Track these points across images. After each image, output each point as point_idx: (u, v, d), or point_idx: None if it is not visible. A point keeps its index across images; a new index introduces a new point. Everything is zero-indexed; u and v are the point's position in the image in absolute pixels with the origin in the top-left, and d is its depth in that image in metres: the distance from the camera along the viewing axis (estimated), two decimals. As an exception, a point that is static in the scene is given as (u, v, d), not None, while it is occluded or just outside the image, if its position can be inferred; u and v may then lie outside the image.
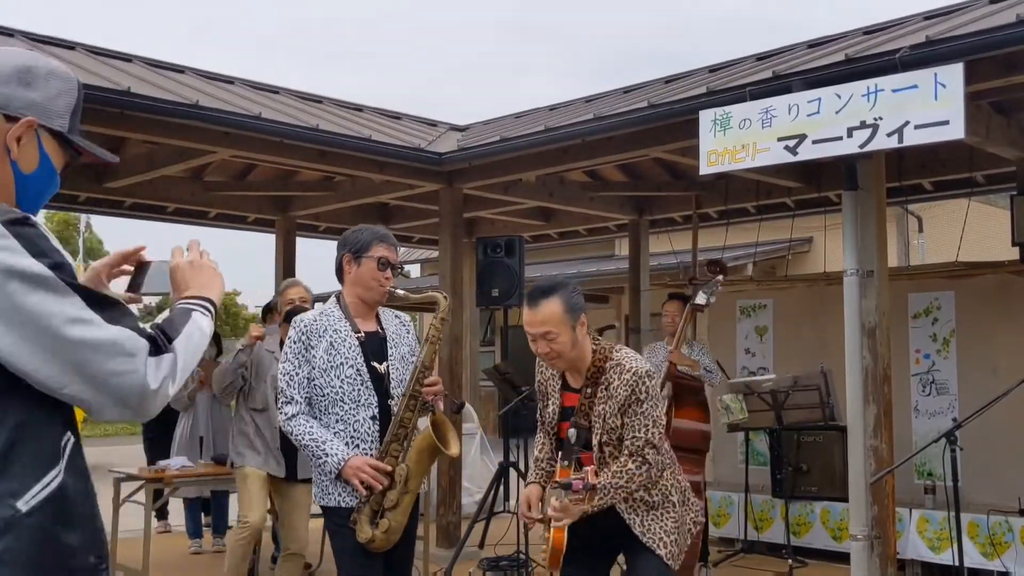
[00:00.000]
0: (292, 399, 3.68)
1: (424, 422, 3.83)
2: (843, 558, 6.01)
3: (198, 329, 1.81)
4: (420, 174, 7.45)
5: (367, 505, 3.61)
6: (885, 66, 4.85)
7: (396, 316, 3.98)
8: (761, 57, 7.07)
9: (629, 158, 7.67)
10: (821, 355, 6.91)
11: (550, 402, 3.58)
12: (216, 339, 7.17)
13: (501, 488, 7.31)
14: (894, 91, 4.74)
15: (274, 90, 8.35)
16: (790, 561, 6.70)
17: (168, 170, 7.50)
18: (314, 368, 3.68)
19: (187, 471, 6.43)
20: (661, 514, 3.41)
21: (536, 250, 12.19)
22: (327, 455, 3.60)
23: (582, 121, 6.48)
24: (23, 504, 1.59)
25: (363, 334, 3.75)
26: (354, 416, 3.67)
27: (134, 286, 2.01)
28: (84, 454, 1.76)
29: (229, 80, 8.02)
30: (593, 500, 3.26)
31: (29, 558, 1.58)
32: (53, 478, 1.64)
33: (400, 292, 3.87)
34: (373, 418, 3.68)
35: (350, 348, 3.70)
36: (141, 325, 1.71)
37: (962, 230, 7.55)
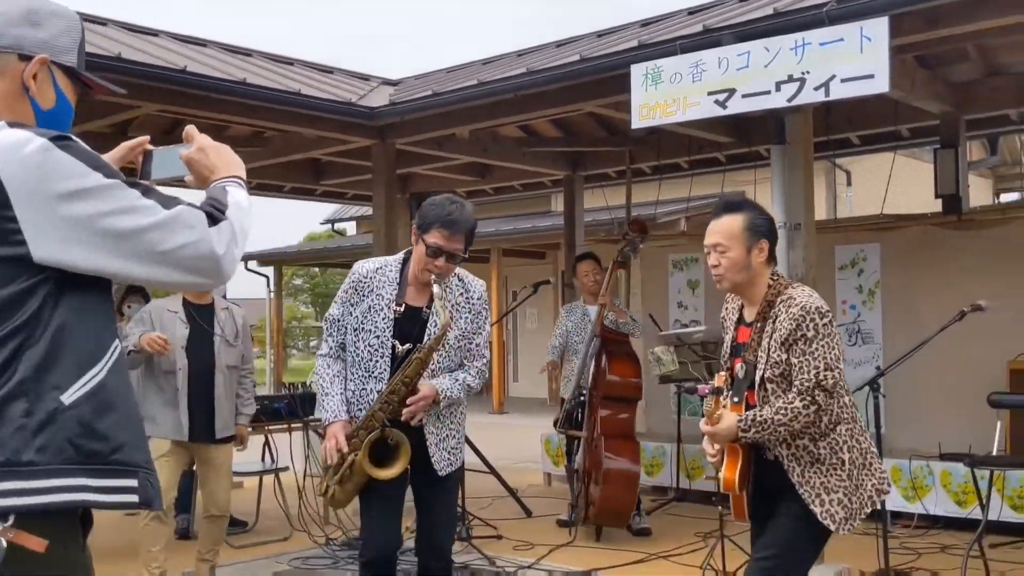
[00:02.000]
0: (326, 340, 3.86)
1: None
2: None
3: (243, 198, 1.92)
4: (352, 129, 7.37)
5: (331, 467, 3.73)
6: (813, 20, 4.89)
7: (465, 289, 3.79)
8: (693, 11, 7.09)
9: (562, 112, 7.68)
10: (751, 307, 7.03)
11: (727, 336, 3.47)
12: (144, 292, 6.98)
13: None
14: (821, 45, 4.80)
15: (201, 43, 8.15)
16: (720, 508, 6.83)
17: (89, 125, 7.29)
18: (350, 323, 3.76)
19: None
20: (826, 469, 3.13)
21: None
22: (323, 408, 3.78)
23: (515, 75, 6.46)
24: (66, 397, 1.73)
25: (403, 307, 3.73)
26: (364, 385, 3.74)
27: (144, 174, 2.09)
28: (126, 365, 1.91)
29: (153, 32, 7.81)
30: (742, 425, 3.10)
31: (67, 446, 1.71)
32: (95, 375, 1.77)
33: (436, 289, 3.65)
34: (380, 392, 3.70)
35: (384, 319, 3.71)
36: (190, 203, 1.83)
37: (887, 183, 7.70)
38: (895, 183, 8.58)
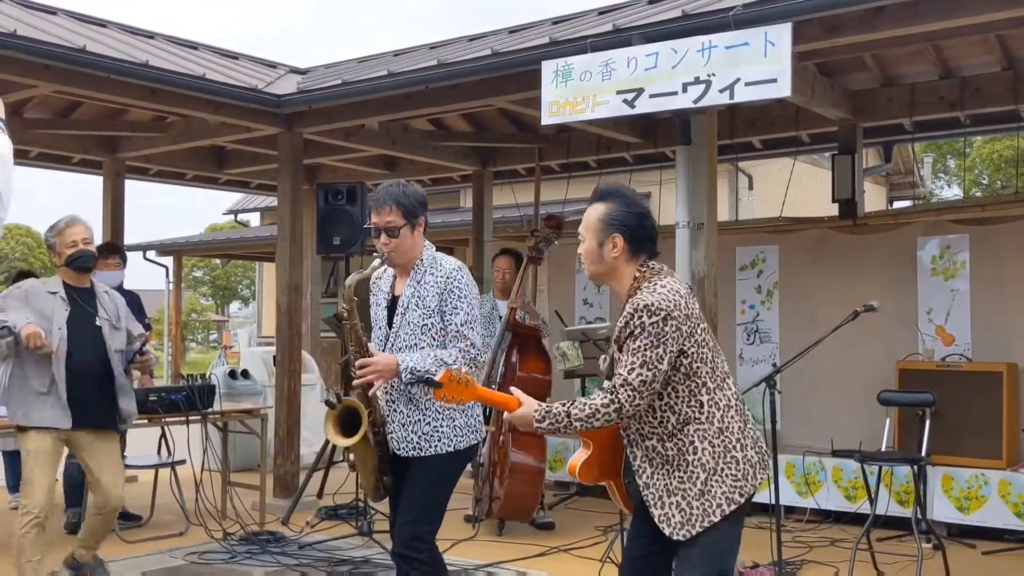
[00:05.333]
0: None
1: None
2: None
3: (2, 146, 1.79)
4: (257, 116, 7.23)
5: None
6: (719, 23, 5.00)
7: (437, 268, 3.79)
8: (603, 11, 7.17)
9: (473, 107, 7.67)
10: (655, 305, 7.14)
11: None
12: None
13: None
14: (727, 48, 4.90)
15: (101, 23, 7.90)
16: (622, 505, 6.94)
17: (-19, 104, 7.01)
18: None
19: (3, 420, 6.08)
20: (671, 471, 2.99)
21: (379, 199, 12.05)
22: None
23: (426, 67, 6.43)
24: None
25: (392, 296, 3.86)
26: None
27: None
28: None
29: (51, 11, 7.54)
30: (536, 416, 3.03)
31: None
32: None
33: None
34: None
35: (381, 311, 3.87)
36: None
37: (787, 187, 7.92)
38: (794, 187, 8.83)
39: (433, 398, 3.13)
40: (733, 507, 2.96)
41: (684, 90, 5.03)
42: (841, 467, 6.67)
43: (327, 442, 7.29)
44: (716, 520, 2.95)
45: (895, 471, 6.32)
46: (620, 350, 3.01)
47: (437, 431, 3.75)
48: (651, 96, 5.15)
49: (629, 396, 2.93)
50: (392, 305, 3.84)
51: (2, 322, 4.70)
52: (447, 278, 3.74)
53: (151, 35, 8.16)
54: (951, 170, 30.73)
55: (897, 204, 17.98)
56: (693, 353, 2.99)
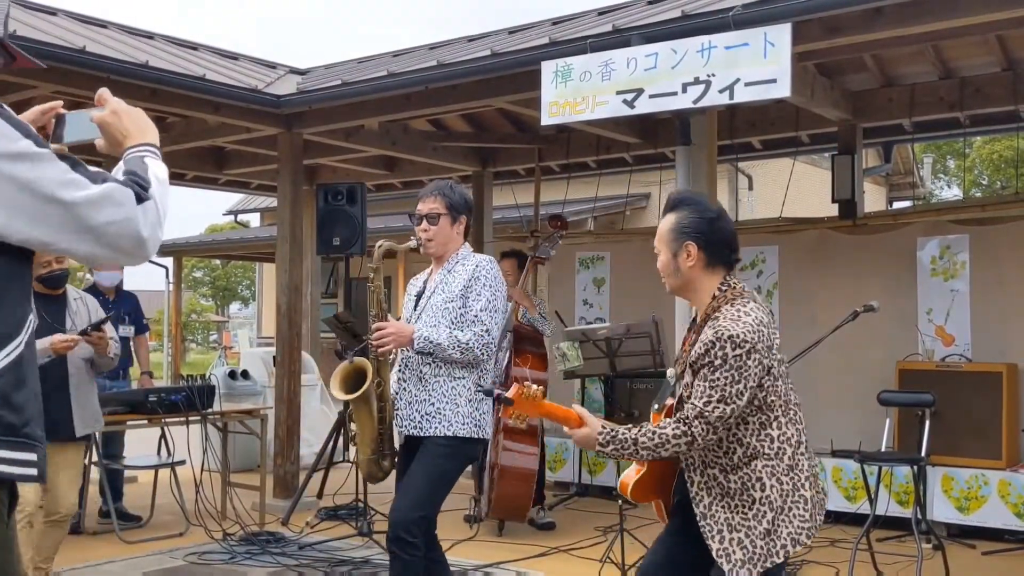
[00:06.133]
0: None
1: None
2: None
3: (162, 172, 1.91)
4: (257, 117, 7.23)
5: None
6: (719, 24, 4.99)
7: (467, 260, 3.96)
8: (603, 11, 7.17)
9: (473, 107, 7.68)
10: (655, 306, 7.14)
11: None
12: None
13: (340, 439, 7.27)
14: (727, 48, 4.90)
15: (101, 23, 7.89)
16: (620, 503, 6.94)
17: (-19, 105, 7.01)
18: None
19: None
20: (735, 505, 2.86)
21: (379, 201, 12.07)
22: None
23: (425, 67, 6.43)
24: None
25: (422, 287, 4.03)
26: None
27: (56, 138, 2.05)
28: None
29: (51, 11, 7.53)
30: (600, 438, 2.92)
31: None
32: (16, 347, 1.78)
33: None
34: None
35: (411, 299, 4.06)
36: (120, 177, 1.82)
37: (787, 188, 7.92)
38: (794, 188, 8.84)
39: (504, 412, 3.07)
40: (798, 548, 2.85)
41: (684, 90, 5.03)
42: (841, 467, 6.67)
43: (327, 443, 7.31)
44: (779, 561, 2.83)
45: (895, 471, 6.32)
46: (695, 375, 2.86)
47: (440, 412, 3.84)
48: (651, 96, 5.15)
49: (703, 430, 2.80)
50: (422, 295, 4.00)
51: None
52: (476, 267, 3.92)
53: (151, 35, 8.16)
54: (951, 170, 30.73)
55: (897, 204, 17.99)
56: (769, 387, 2.87)
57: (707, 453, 2.91)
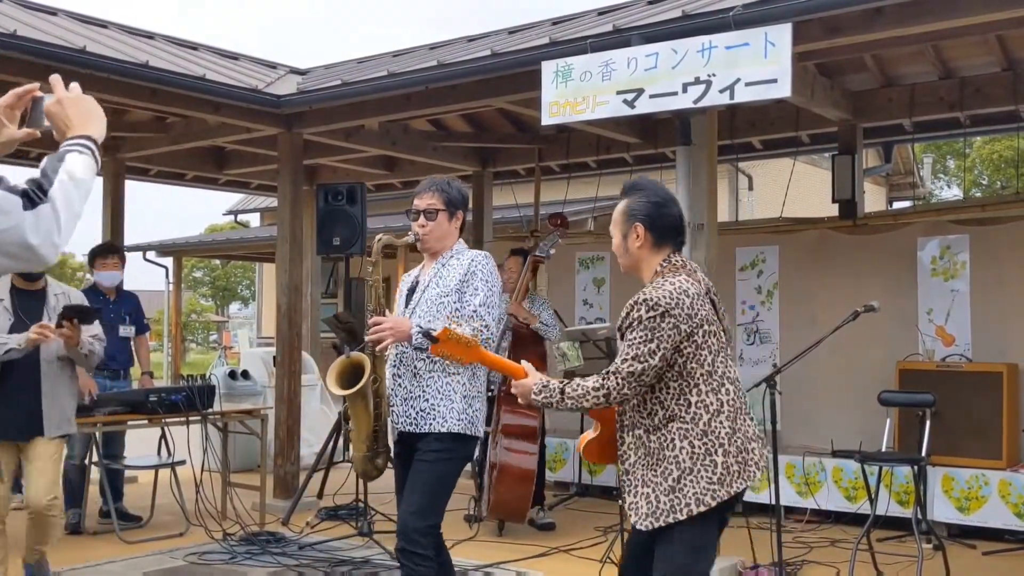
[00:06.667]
0: None
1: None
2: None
3: (79, 167, 1.82)
4: (257, 117, 7.22)
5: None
6: (719, 23, 4.99)
7: (462, 255, 3.96)
8: (603, 11, 7.17)
9: (473, 107, 7.68)
10: (655, 305, 7.15)
11: None
12: None
13: (341, 439, 7.26)
14: (727, 48, 4.89)
15: (102, 23, 7.90)
16: (621, 502, 6.94)
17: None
18: None
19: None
20: (651, 463, 3.03)
21: (379, 201, 12.07)
22: None
23: (426, 67, 6.43)
24: None
25: (415, 282, 4.03)
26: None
27: (33, 122, 2.01)
28: None
29: (51, 11, 7.54)
30: (534, 388, 3.12)
31: None
32: None
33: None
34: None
35: (403, 295, 4.07)
36: (13, 184, 1.76)
37: (787, 188, 7.92)
38: (794, 188, 8.84)
39: (432, 354, 3.29)
40: (703, 509, 2.96)
41: (684, 90, 5.03)
42: (841, 467, 6.67)
43: (327, 443, 7.30)
44: (681, 518, 2.97)
45: (895, 471, 6.32)
46: (621, 339, 3.08)
47: (434, 409, 3.84)
48: (651, 96, 5.14)
49: (617, 384, 3.00)
50: (414, 290, 3.99)
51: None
52: (471, 261, 3.92)
53: (151, 35, 8.16)
54: (951, 170, 30.74)
55: (897, 204, 18.00)
56: (689, 354, 3.02)
57: (635, 414, 3.11)
